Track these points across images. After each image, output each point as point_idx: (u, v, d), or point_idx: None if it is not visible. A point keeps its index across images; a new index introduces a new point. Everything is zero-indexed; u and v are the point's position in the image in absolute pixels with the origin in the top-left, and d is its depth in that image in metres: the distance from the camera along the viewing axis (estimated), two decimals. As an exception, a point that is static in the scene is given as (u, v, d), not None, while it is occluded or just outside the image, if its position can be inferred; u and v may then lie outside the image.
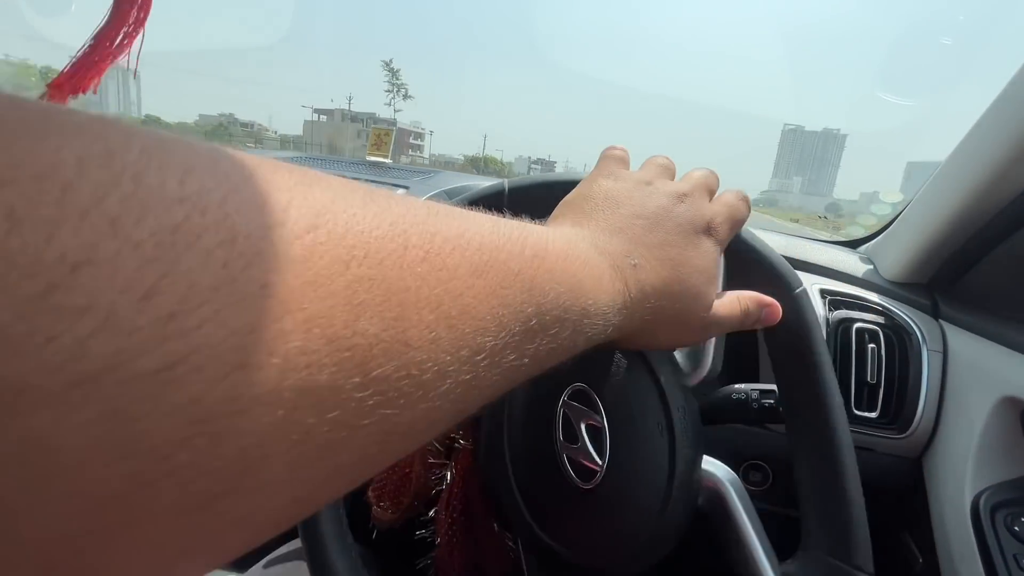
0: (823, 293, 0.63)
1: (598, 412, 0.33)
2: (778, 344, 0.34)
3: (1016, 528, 0.43)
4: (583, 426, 0.33)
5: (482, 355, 0.15)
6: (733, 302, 0.30)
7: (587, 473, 0.33)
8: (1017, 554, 0.42)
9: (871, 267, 0.71)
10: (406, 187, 0.77)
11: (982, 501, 0.45)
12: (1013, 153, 0.51)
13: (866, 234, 0.80)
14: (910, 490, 0.56)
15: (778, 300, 0.32)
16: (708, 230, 0.28)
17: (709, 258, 0.28)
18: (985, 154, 0.54)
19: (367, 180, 0.78)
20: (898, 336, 0.59)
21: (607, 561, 0.32)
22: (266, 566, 0.57)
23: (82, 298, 0.08)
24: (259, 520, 0.11)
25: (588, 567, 0.33)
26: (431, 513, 0.60)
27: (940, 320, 0.60)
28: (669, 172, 0.31)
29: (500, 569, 0.62)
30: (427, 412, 0.13)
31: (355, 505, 0.67)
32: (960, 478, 0.48)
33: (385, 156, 0.96)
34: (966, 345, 0.55)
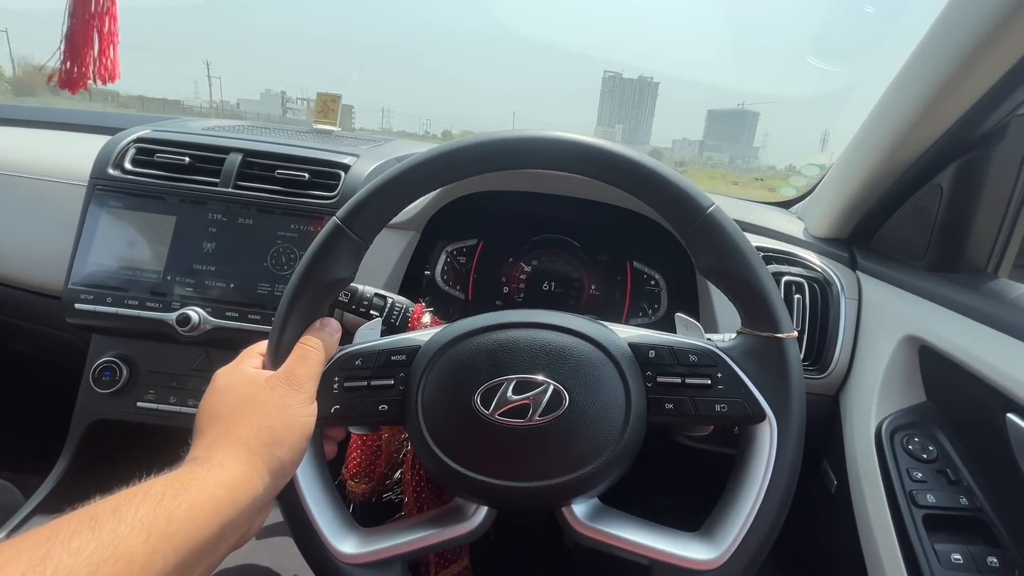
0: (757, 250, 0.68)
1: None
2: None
3: (910, 447, 0.50)
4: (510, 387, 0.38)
5: None
6: None
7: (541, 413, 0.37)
8: (909, 468, 0.49)
9: (801, 225, 0.77)
10: (356, 155, 0.75)
11: (884, 425, 0.52)
12: (912, 121, 0.57)
13: (798, 195, 0.86)
14: (828, 424, 0.64)
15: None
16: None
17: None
18: (890, 121, 0.60)
19: (316, 149, 0.75)
20: (821, 287, 0.65)
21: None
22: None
23: None
24: None
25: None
26: (397, 475, 0.62)
27: (857, 271, 0.66)
28: None
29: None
30: None
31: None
32: (867, 408, 0.55)
33: (333, 124, 0.92)
34: (877, 292, 0.62)
